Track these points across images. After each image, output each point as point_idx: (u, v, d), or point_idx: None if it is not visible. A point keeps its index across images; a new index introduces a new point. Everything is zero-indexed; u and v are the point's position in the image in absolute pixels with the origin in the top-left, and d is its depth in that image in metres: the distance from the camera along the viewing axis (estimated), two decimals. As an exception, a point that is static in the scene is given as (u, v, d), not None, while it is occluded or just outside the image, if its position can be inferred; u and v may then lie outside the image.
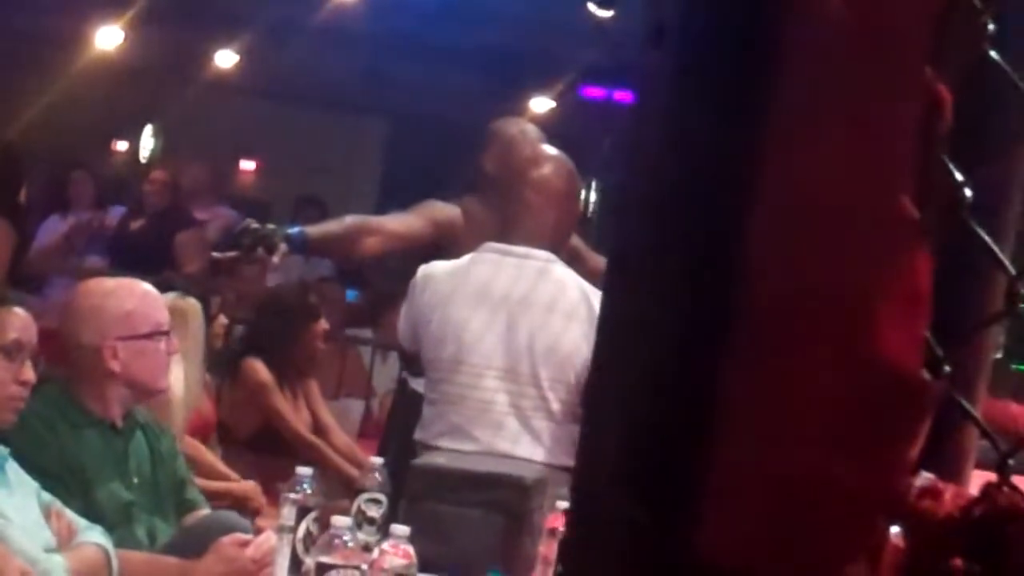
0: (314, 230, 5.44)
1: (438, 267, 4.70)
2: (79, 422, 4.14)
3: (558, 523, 3.99)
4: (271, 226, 5.29)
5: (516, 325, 4.51)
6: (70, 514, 3.85)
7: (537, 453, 4.40)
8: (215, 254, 5.64)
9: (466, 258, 4.71)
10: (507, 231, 4.68)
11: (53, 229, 9.85)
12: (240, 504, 5.51)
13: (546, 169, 4.68)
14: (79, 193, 10.24)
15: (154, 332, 4.26)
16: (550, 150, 4.82)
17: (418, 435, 4.60)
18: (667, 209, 1.06)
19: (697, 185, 1.06)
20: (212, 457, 6.00)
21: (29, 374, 3.83)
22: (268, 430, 6.43)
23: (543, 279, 4.54)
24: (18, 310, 3.88)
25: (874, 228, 1.04)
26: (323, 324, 6.67)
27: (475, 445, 4.46)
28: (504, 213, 4.77)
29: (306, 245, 5.36)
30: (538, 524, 4.03)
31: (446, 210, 5.56)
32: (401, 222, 5.51)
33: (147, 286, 4.38)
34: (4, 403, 3.81)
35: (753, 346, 1.05)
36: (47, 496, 3.84)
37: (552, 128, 6.01)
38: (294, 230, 5.32)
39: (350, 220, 5.52)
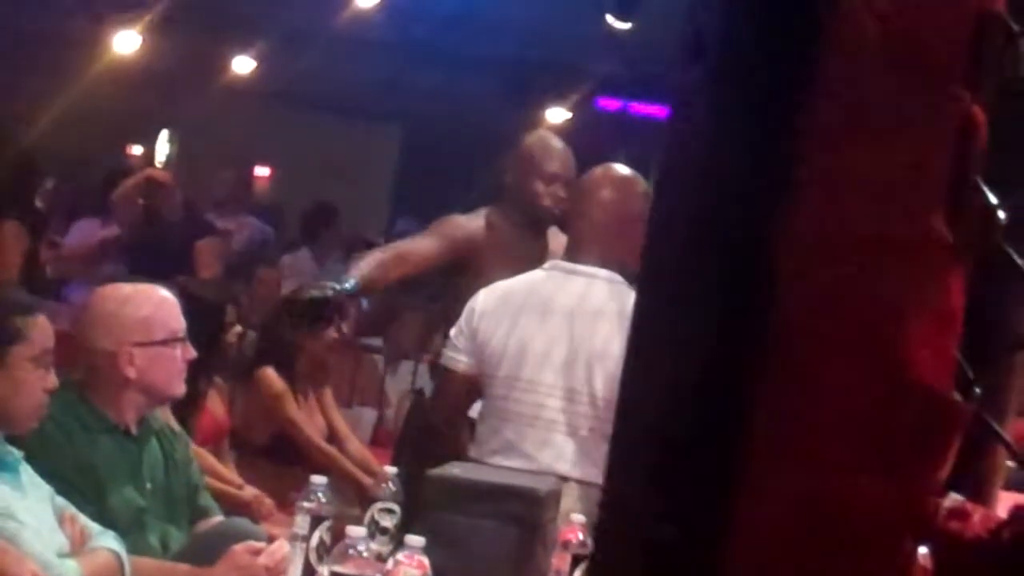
0: (361, 276, 5.52)
1: (499, 287, 4.71)
2: (94, 427, 4.14)
3: (571, 535, 3.99)
4: (331, 287, 5.48)
5: (576, 344, 4.51)
6: (83, 519, 3.85)
7: (591, 474, 4.38)
8: (291, 316, 5.86)
9: (529, 275, 4.73)
10: (573, 249, 4.70)
11: (88, 232, 9.78)
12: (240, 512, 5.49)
13: (616, 189, 4.68)
14: (127, 204, 10.17)
15: (170, 339, 4.25)
16: (622, 169, 4.80)
17: (472, 452, 4.61)
18: (702, 225, 1.06)
19: (732, 201, 1.06)
20: (213, 460, 5.99)
21: (53, 381, 3.85)
22: (282, 438, 6.43)
23: (606, 299, 4.52)
24: (42, 318, 3.89)
25: (907, 249, 1.04)
26: (333, 332, 6.65)
27: (529, 463, 4.47)
28: (570, 231, 4.80)
29: (360, 293, 5.66)
30: (551, 536, 4.03)
31: (466, 225, 5.58)
32: (423, 248, 5.58)
33: (164, 292, 4.37)
34: (33, 411, 3.82)
35: (784, 364, 1.05)
36: (61, 500, 3.84)
37: (567, 139, 6.02)
38: (348, 284, 5.45)
39: (380, 256, 5.61)
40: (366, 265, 5.59)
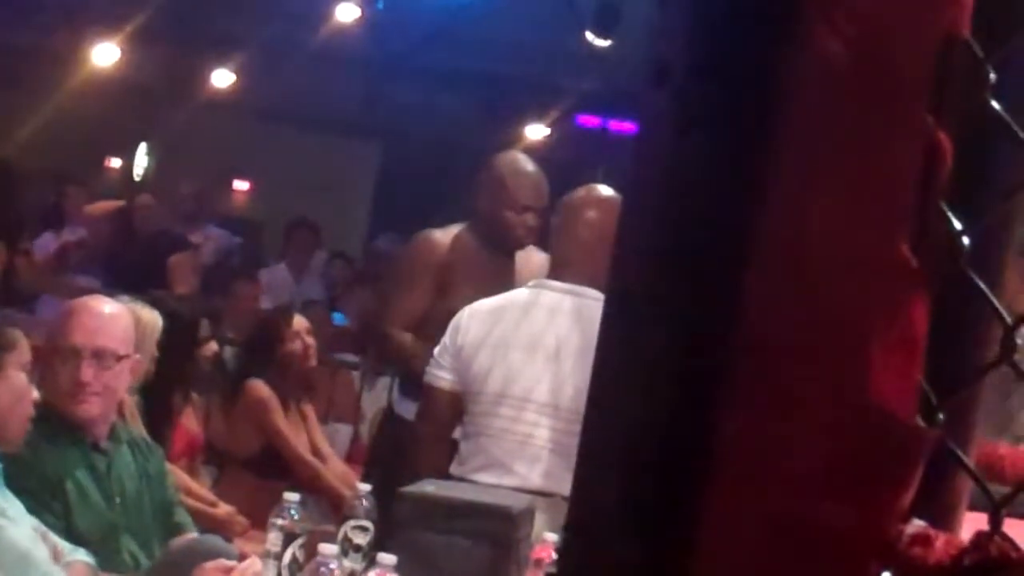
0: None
1: (483, 305, 4.73)
2: (60, 441, 4.10)
3: (544, 554, 3.99)
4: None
5: (561, 361, 4.52)
6: (55, 537, 3.83)
7: None
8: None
9: (513, 293, 4.76)
10: (557, 268, 4.72)
11: (46, 247, 9.80)
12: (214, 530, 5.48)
13: (599, 208, 4.69)
14: (73, 208, 10.19)
15: (64, 348, 4.15)
16: (606, 190, 4.81)
17: (454, 469, 4.62)
18: (667, 250, 1.06)
19: (697, 226, 1.06)
20: (187, 478, 5.98)
21: (36, 392, 3.84)
22: (267, 452, 6.43)
23: (591, 316, 4.52)
24: (16, 330, 3.89)
25: (872, 275, 1.04)
26: (298, 345, 6.62)
27: (515, 480, 4.48)
28: (555, 251, 4.81)
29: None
30: (524, 554, 4.03)
31: (441, 242, 5.57)
32: (418, 304, 5.49)
33: (107, 306, 4.28)
34: (24, 423, 3.80)
35: (749, 389, 1.05)
36: (33, 519, 3.82)
37: (546, 155, 6.01)
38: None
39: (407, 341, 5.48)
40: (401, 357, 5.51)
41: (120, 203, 9.62)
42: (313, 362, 6.74)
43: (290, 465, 6.38)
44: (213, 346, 6.82)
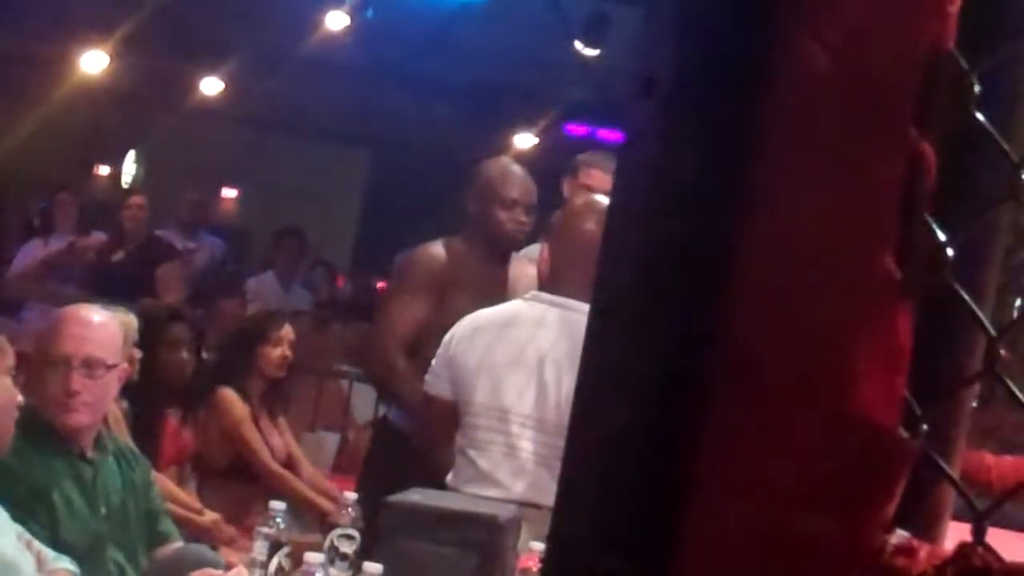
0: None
1: (479, 316, 4.75)
2: (46, 450, 4.09)
3: (530, 563, 3.99)
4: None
5: (551, 375, 4.53)
6: (39, 544, 3.82)
7: None
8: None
9: (509, 305, 4.78)
10: (553, 280, 4.72)
11: (32, 253, 9.78)
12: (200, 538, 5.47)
13: (597, 220, 4.68)
14: (63, 216, 10.18)
15: (55, 357, 4.13)
16: (603, 201, 4.81)
17: (449, 480, 4.63)
18: (651, 261, 1.06)
19: (682, 237, 1.06)
20: (172, 486, 5.97)
21: (19, 397, 3.82)
22: (243, 460, 6.43)
23: (577, 329, 4.51)
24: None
25: (856, 285, 1.04)
26: (278, 351, 6.61)
27: (500, 491, 4.49)
28: (551, 263, 4.81)
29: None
30: (511, 564, 4.03)
31: (436, 256, 5.58)
32: (417, 317, 5.45)
33: (95, 315, 4.27)
34: (8, 429, 3.78)
35: (733, 400, 1.05)
36: (17, 527, 3.81)
37: (535, 163, 6.04)
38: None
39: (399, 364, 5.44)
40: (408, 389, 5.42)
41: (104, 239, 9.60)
42: (283, 373, 6.72)
43: (260, 476, 6.38)
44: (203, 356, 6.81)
